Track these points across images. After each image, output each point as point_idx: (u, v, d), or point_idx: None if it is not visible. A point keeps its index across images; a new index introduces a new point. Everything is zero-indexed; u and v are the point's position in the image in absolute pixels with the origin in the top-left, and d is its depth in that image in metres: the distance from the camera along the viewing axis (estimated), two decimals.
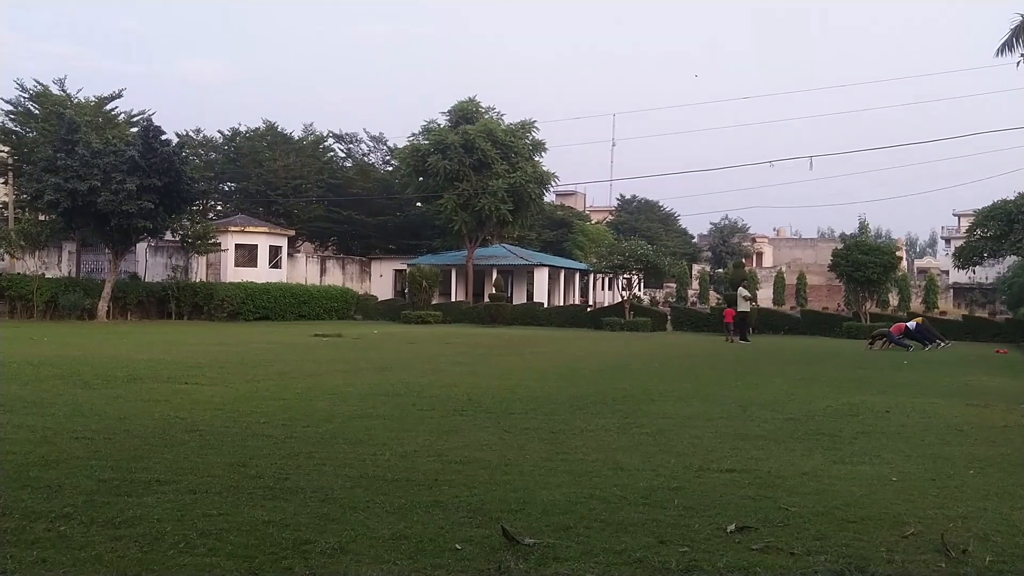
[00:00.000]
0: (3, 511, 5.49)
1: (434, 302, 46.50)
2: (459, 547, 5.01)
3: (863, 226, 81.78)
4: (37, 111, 41.19)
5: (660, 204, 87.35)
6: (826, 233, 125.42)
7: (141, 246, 42.63)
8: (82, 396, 11.31)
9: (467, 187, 47.23)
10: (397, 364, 17.82)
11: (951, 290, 69.88)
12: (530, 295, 51.39)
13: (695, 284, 67.91)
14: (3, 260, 40.43)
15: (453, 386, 13.62)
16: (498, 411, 10.85)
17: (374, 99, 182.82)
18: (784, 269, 73.33)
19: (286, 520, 5.49)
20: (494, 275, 49.44)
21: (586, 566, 4.74)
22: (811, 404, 12.33)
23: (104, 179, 34.51)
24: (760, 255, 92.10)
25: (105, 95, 43.42)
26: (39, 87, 41.64)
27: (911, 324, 29.60)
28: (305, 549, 4.91)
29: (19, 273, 38.36)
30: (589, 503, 6.14)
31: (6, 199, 42.74)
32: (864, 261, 38.51)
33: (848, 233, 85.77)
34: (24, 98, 41.52)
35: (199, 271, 45.76)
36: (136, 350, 19.65)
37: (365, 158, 64.43)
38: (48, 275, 39.28)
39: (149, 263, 44.36)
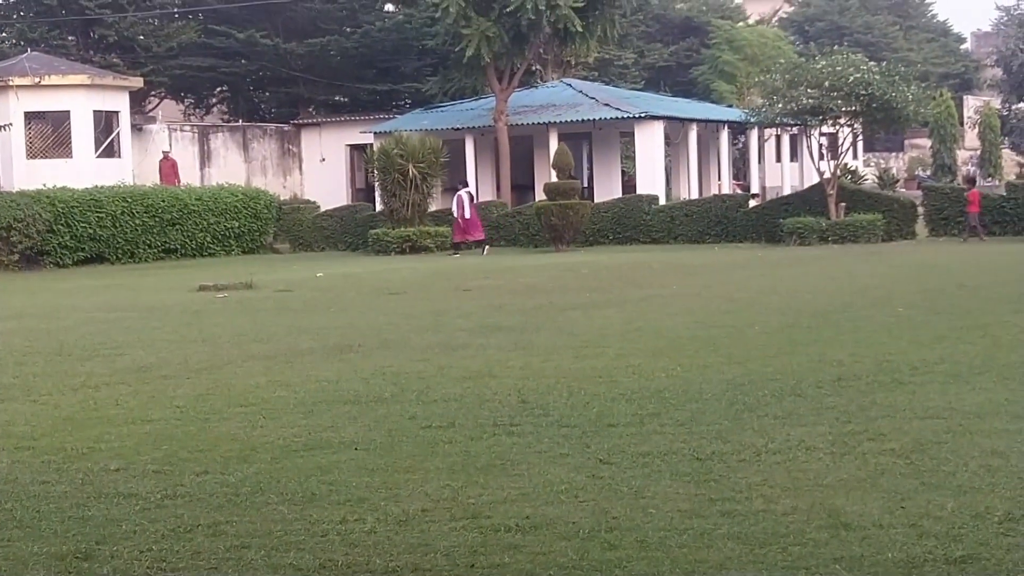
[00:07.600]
0: None
1: (433, 208, 24.52)
2: None
3: None
4: None
5: None
6: None
7: None
8: None
9: None
10: (371, 337, 10.11)
11: None
12: (629, 180, 28.67)
13: (972, 136, 35.64)
14: None
15: (487, 376, 7.74)
16: (582, 423, 5.94)
17: None
18: None
19: None
20: (552, 143, 25.58)
21: None
22: None
23: None
24: None
25: None
26: None
27: None
28: None
29: None
30: None
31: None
32: None
33: None
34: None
35: None
36: None
37: None
38: None
39: None
